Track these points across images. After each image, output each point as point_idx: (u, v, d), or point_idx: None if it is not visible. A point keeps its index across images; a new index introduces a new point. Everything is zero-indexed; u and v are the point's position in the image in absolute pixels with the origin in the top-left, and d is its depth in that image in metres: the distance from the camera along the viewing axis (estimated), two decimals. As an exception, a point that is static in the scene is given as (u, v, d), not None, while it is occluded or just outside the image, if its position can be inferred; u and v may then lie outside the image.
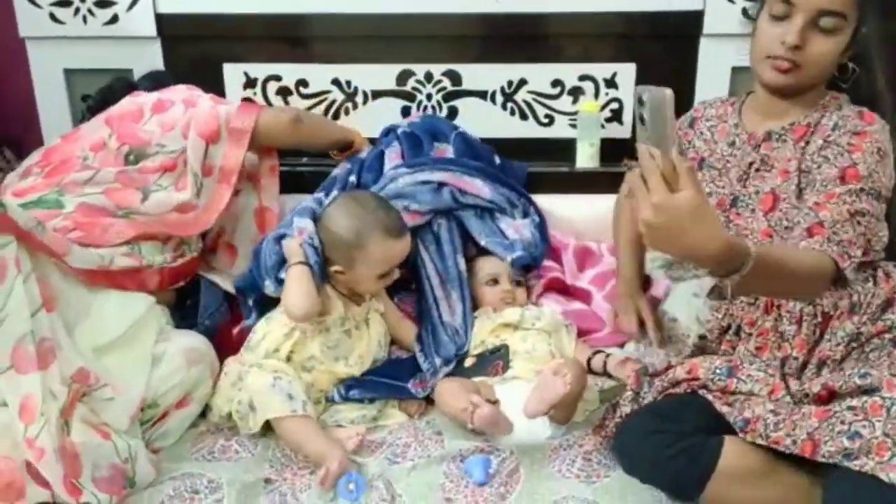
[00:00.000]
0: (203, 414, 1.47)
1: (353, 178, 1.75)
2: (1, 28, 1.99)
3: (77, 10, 1.96)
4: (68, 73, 2.03)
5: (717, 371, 1.25)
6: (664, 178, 0.91)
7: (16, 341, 1.19)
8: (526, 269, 1.73)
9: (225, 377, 1.46)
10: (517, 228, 1.74)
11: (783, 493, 1.14)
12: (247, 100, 2.00)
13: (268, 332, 1.48)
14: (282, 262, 1.52)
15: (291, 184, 1.87)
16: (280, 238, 1.55)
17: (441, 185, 1.69)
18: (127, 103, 1.64)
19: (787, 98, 1.31)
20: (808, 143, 1.27)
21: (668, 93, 0.91)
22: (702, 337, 1.38)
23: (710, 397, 1.22)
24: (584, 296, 1.74)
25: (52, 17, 1.97)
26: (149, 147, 1.55)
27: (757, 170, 1.32)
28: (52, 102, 2.04)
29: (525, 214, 1.81)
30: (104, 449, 1.23)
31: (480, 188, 1.74)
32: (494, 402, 1.37)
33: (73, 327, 1.31)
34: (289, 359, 1.46)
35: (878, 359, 1.18)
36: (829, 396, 1.14)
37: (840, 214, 1.15)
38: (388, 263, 1.48)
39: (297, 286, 1.43)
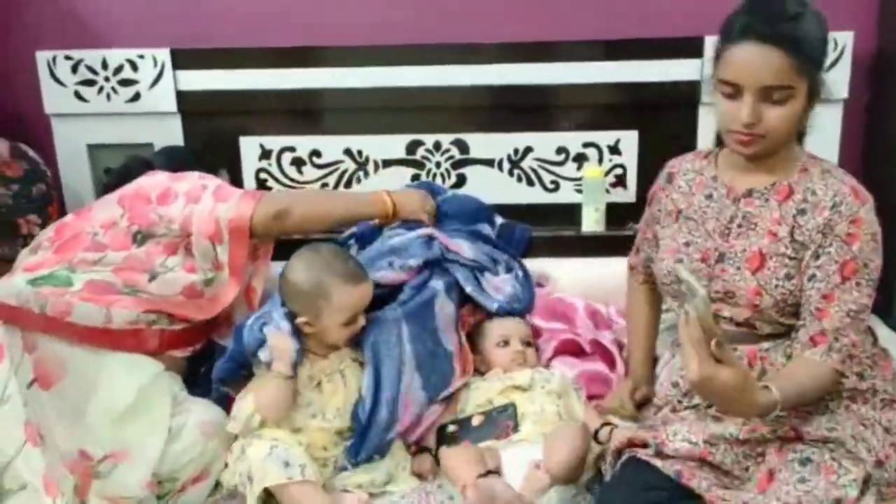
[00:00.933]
0: (217, 483, 1.48)
1: (352, 242, 1.83)
2: (28, 105, 2.09)
3: (101, 89, 2.06)
4: (91, 148, 2.11)
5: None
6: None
7: (24, 420, 1.22)
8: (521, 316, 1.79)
9: (230, 453, 1.47)
10: (497, 286, 1.79)
11: None
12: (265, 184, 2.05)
13: (243, 403, 1.47)
14: (263, 342, 1.50)
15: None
16: (262, 323, 1.53)
17: (431, 238, 1.75)
18: (137, 186, 1.65)
19: (762, 160, 1.33)
20: (801, 211, 1.29)
21: (702, 295, 1.05)
22: (674, 384, 1.42)
23: (653, 461, 1.25)
24: (606, 356, 1.74)
25: (77, 94, 2.06)
26: (157, 227, 1.58)
27: (739, 226, 1.34)
28: (75, 176, 2.12)
29: (508, 270, 1.85)
30: None
31: (463, 249, 1.79)
32: (492, 472, 1.38)
33: (88, 399, 1.34)
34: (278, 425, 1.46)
35: (838, 409, 1.26)
36: (796, 437, 1.21)
37: (841, 320, 1.24)
38: (351, 310, 1.48)
39: (275, 396, 1.43)
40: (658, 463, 1.23)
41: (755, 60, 1.21)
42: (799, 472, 1.16)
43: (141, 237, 1.57)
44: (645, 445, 1.28)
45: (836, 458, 1.18)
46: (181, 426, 1.41)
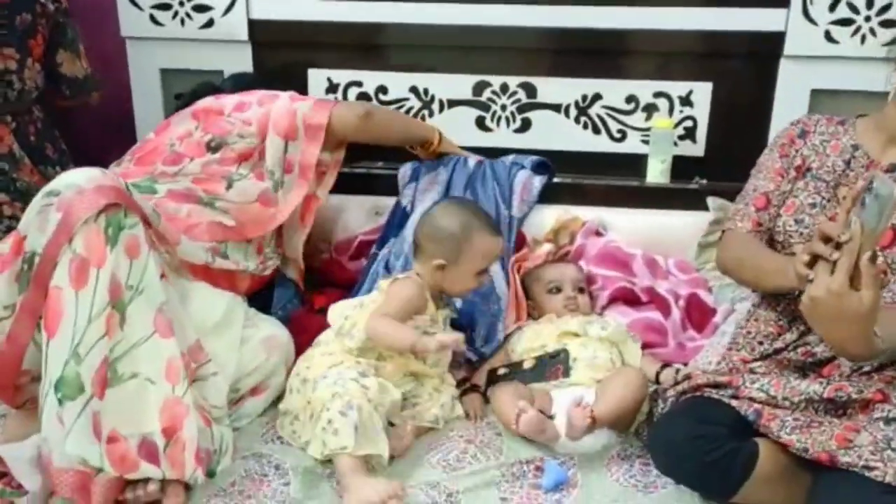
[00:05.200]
0: (275, 402, 1.51)
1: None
2: (104, 27, 2.13)
3: (176, 14, 2.08)
4: (164, 72, 2.15)
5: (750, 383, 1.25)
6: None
7: (156, 309, 1.28)
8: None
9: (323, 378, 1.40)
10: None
11: (804, 492, 1.17)
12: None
13: (358, 321, 1.49)
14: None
15: (358, 186, 1.95)
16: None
17: None
18: (211, 101, 1.72)
19: None
20: None
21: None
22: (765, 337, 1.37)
23: (724, 398, 1.23)
24: (662, 303, 1.74)
25: (153, 18, 2.10)
26: (229, 136, 1.63)
27: None
28: (147, 99, 2.17)
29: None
30: (205, 434, 1.29)
31: None
32: (550, 417, 1.40)
33: (185, 310, 1.39)
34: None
35: None
36: (883, 399, 1.16)
37: None
38: (487, 259, 1.54)
39: (412, 293, 1.48)
40: (735, 403, 1.21)
41: None
42: (884, 430, 1.12)
43: (215, 145, 1.62)
44: (717, 388, 1.27)
45: None
46: (248, 338, 1.47)
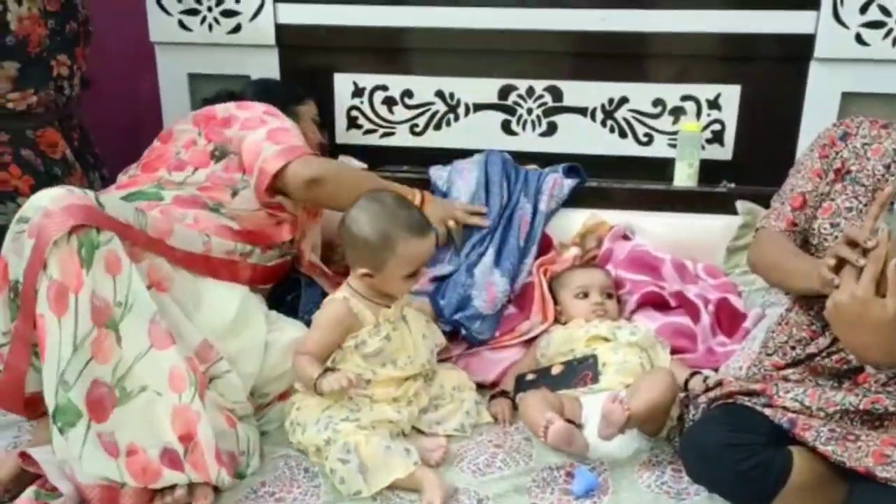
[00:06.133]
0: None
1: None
2: (133, 32, 2.15)
3: (204, 19, 2.10)
4: (192, 77, 2.17)
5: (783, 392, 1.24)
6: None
7: (149, 321, 1.27)
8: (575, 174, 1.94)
9: (315, 424, 1.38)
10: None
11: (839, 501, 1.15)
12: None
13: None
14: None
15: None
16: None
17: None
18: (208, 109, 1.72)
19: None
20: None
21: None
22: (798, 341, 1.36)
23: (757, 407, 1.22)
24: (691, 308, 1.72)
25: (181, 24, 2.11)
26: (230, 145, 1.62)
27: None
28: (175, 104, 2.18)
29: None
30: (229, 437, 1.30)
31: None
32: (578, 426, 1.39)
33: (192, 314, 1.39)
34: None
35: None
36: None
37: None
38: (416, 263, 1.44)
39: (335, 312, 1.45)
40: (768, 411, 1.20)
41: None
42: None
43: (219, 153, 1.61)
44: (749, 396, 1.25)
45: None
46: (274, 342, 1.46)
